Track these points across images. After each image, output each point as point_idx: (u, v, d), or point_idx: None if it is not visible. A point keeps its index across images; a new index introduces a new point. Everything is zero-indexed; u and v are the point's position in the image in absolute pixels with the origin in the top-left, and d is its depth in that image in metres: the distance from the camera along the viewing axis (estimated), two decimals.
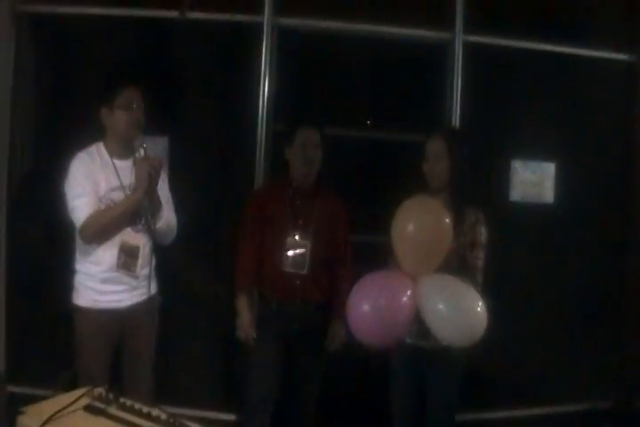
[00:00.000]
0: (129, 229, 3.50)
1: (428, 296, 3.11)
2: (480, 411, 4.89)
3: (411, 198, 3.31)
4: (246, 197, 4.17)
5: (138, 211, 3.46)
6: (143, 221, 3.50)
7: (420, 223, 3.20)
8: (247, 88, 4.69)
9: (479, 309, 3.08)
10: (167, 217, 3.55)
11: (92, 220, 3.39)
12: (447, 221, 3.20)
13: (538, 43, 4.95)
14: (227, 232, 4.43)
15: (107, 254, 3.48)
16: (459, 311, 3.08)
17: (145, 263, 3.54)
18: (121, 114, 3.50)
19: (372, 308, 3.14)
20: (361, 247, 4.09)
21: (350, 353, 3.95)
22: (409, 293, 3.12)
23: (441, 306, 3.08)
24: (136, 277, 3.51)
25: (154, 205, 3.44)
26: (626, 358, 5.16)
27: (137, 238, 3.51)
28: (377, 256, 3.46)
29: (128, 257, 3.48)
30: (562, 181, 5.10)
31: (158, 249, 3.67)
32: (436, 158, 3.52)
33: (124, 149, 3.52)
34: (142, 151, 3.38)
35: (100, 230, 3.42)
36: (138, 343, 3.59)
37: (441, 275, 3.21)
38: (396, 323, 3.15)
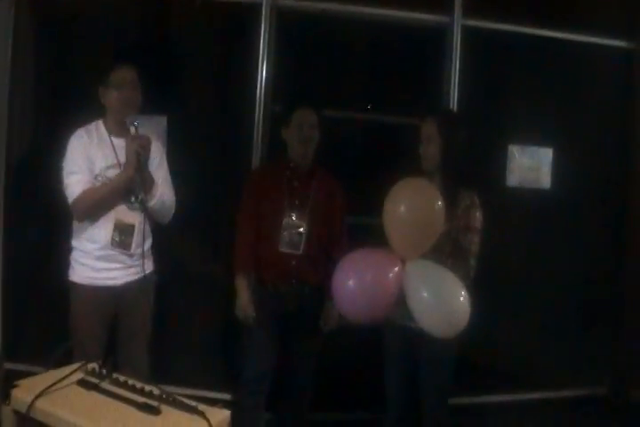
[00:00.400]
0: (124, 208, 3.52)
1: (412, 284, 3.12)
2: (475, 395, 4.92)
3: (403, 180, 3.30)
4: (244, 177, 4.18)
5: (129, 188, 3.48)
6: (137, 199, 3.52)
7: (411, 205, 3.20)
8: (246, 69, 4.68)
9: (461, 299, 3.08)
10: (162, 196, 3.55)
11: (83, 196, 3.41)
12: (439, 203, 3.20)
13: (536, 28, 4.93)
14: (224, 212, 4.45)
15: (102, 232, 3.50)
16: (440, 303, 3.09)
17: (140, 242, 3.54)
18: (113, 92, 3.52)
19: (357, 283, 3.15)
20: (357, 229, 4.09)
21: (345, 334, 3.98)
22: (396, 269, 3.14)
23: (424, 296, 3.09)
24: (131, 256, 3.52)
25: (146, 183, 3.45)
26: (622, 344, 5.17)
27: (132, 217, 3.52)
28: (373, 238, 3.46)
29: (123, 235, 3.50)
30: (559, 166, 5.10)
31: (156, 228, 3.70)
32: (428, 141, 3.54)
33: (121, 127, 3.52)
34: (133, 129, 3.39)
35: (92, 207, 3.45)
36: (132, 322, 3.60)
37: (427, 261, 3.22)
38: (380, 299, 3.16)
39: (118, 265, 3.53)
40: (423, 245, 3.22)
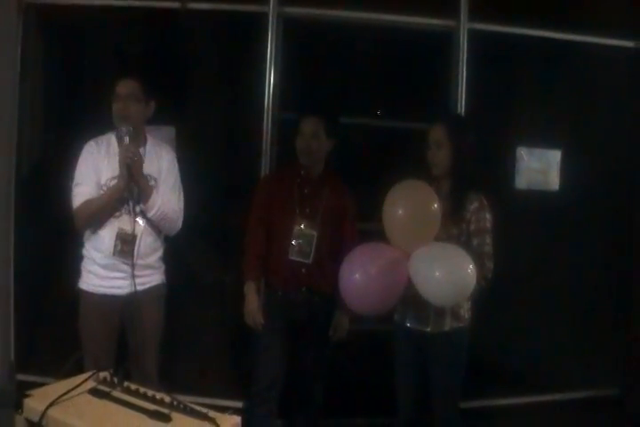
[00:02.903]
0: (128, 217, 3.55)
1: (417, 257, 3.20)
2: (486, 398, 4.91)
3: (400, 182, 3.39)
4: (253, 184, 4.19)
5: (125, 199, 3.52)
6: (137, 209, 3.55)
7: (405, 204, 3.31)
8: (253, 77, 4.70)
9: (466, 263, 3.15)
10: (162, 206, 3.57)
11: (82, 207, 3.50)
12: (433, 199, 3.30)
13: (543, 30, 4.93)
14: (233, 219, 4.46)
15: (105, 241, 3.55)
16: (445, 265, 3.15)
17: (146, 252, 3.60)
18: (113, 105, 3.57)
19: (363, 276, 3.22)
20: (370, 235, 4.08)
21: (355, 339, 4.00)
22: (401, 261, 3.22)
23: (427, 266, 3.16)
24: (132, 265, 3.52)
25: (142, 194, 3.49)
26: (634, 345, 5.16)
27: (135, 226, 3.55)
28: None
29: (124, 245, 3.53)
30: (567, 168, 5.10)
31: (166, 238, 3.72)
32: (437, 145, 3.55)
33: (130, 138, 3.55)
34: (127, 139, 3.43)
35: (89, 218, 3.53)
36: (140, 331, 3.61)
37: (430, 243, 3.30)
38: (388, 290, 3.23)
39: (122, 274, 3.55)
40: (423, 240, 3.29)
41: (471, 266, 3.13)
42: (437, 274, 3.12)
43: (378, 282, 3.20)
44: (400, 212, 3.29)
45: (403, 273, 3.21)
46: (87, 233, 3.62)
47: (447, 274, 3.12)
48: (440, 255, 3.21)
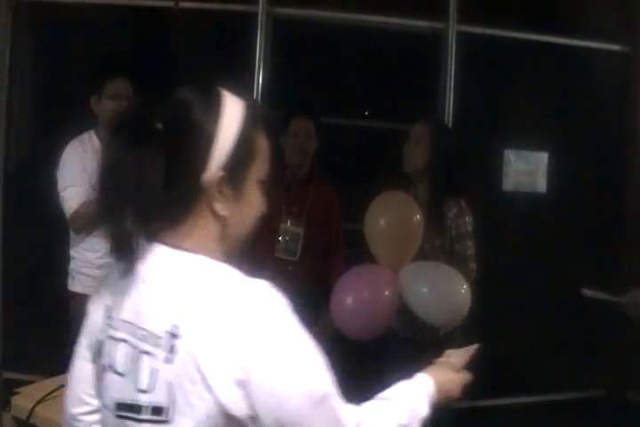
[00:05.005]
0: None
1: (410, 281, 3.17)
2: (472, 399, 4.92)
3: (382, 194, 3.37)
4: None
5: None
6: None
7: (389, 218, 3.30)
8: (242, 77, 4.70)
9: (461, 287, 3.14)
10: None
11: (80, 210, 3.42)
12: (417, 212, 3.27)
13: (531, 33, 4.96)
14: None
15: (102, 240, 3.49)
16: (440, 290, 3.15)
17: None
18: (108, 103, 3.55)
19: (355, 301, 3.20)
20: (354, 235, 4.10)
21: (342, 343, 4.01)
22: (391, 284, 3.19)
23: (423, 288, 3.16)
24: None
25: None
26: (619, 346, 5.18)
27: None
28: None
29: None
30: (555, 170, 5.13)
31: None
32: (417, 141, 3.51)
33: None
34: None
35: (88, 220, 3.43)
36: None
37: (420, 262, 3.28)
38: (379, 316, 3.21)
39: None
40: (408, 253, 3.28)
41: (465, 286, 3.13)
42: (432, 299, 3.13)
43: (370, 308, 3.18)
44: (382, 225, 3.29)
45: (394, 296, 3.18)
46: (76, 234, 3.60)
47: (442, 299, 3.14)
48: (432, 278, 3.20)
